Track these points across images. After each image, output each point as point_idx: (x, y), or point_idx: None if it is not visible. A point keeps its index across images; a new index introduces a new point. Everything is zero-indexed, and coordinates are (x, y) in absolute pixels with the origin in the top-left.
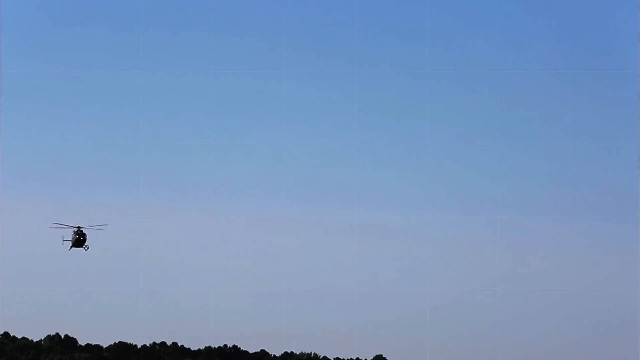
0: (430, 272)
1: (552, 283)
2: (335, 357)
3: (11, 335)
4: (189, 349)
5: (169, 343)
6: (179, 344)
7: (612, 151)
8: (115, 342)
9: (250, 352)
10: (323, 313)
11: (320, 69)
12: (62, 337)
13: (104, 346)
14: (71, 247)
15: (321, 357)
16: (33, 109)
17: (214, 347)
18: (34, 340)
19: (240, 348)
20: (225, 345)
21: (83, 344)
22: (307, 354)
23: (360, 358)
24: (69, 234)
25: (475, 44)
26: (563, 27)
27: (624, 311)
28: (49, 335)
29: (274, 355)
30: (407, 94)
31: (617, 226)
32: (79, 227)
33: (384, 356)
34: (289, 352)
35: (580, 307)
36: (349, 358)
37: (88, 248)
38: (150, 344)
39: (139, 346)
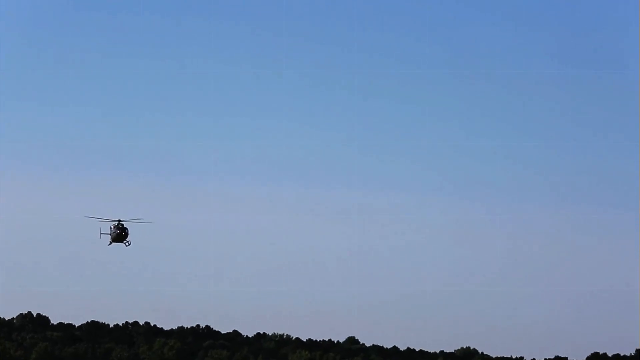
0: (407, 257)
1: (547, 270)
2: (307, 338)
3: None
4: (162, 328)
5: (141, 323)
6: (152, 324)
7: (611, 141)
8: (87, 322)
9: (223, 332)
10: (296, 295)
11: (320, 57)
12: (35, 315)
13: (77, 325)
14: (111, 242)
15: (293, 338)
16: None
17: (187, 328)
18: (6, 319)
19: (212, 328)
20: (198, 326)
21: (55, 323)
22: (280, 335)
23: (332, 339)
24: (106, 227)
25: (475, 35)
26: (562, 21)
27: (622, 298)
28: (21, 314)
29: (247, 336)
30: (406, 83)
31: (616, 215)
32: (119, 221)
33: (356, 338)
34: (262, 332)
35: (575, 294)
36: (320, 339)
37: (130, 244)
38: (122, 324)
39: (111, 325)
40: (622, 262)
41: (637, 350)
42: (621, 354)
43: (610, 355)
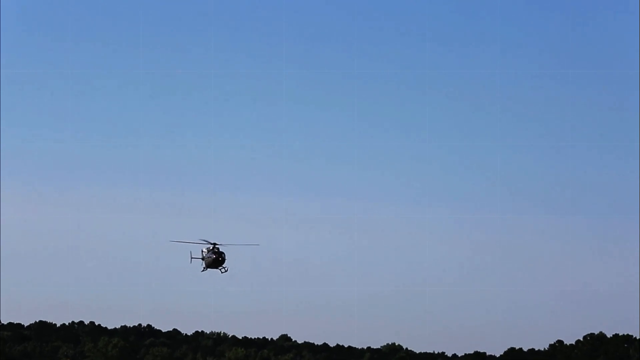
0: (334, 261)
1: (469, 272)
2: (243, 336)
3: None
4: (106, 327)
5: (86, 322)
6: (97, 323)
7: (603, 151)
8: (36, 321)
9: (164, 331)
10: (232, 295)
11: (321, 71)
12: None
13: (25, 325)
14: (205, 268)
15: (230, 336)
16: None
17: (130, 326)
18: None
19: (154, 327)
20: (140, 325)
21: (5, 323)
22: (217, 333)
23: (266, 337)
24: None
25: (472, 45)
26: (560, 27)
27: (540, 297)
28: None
29: (186, 334)
30: (397, 96)
31: (610, 225)
32: (214, 244)
33: (289, 335)
34: (200, 331)
35: (492, 295)
36: (255, 337)
37: (226, 270)
38: (69, 323)
39: (58, 325)
40: (538, 263)
41: (550, 345)
42: (536, 349)
43: (525, 350)
